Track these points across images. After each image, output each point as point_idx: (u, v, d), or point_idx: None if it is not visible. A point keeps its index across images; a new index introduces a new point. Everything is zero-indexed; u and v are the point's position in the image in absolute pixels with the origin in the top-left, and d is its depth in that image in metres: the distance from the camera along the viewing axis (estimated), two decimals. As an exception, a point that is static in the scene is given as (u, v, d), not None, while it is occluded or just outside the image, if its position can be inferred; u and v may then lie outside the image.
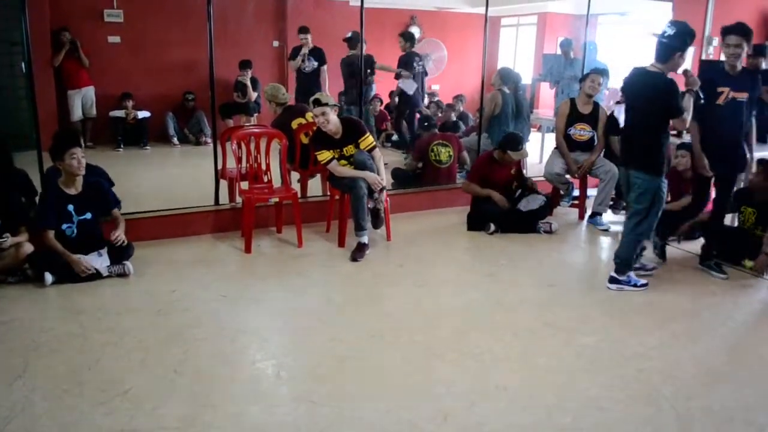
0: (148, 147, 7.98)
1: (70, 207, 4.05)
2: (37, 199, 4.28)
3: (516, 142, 5.33)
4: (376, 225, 4.87)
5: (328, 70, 7.60)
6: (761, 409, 2.84)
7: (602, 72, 6.90)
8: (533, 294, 4.08)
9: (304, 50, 7.46)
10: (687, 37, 3.75)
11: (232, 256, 4.64)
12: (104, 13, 7.87)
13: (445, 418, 2.66)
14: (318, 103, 4.64)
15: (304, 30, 7.57)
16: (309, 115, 5.60)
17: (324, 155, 4.71)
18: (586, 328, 3.58)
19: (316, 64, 7.55)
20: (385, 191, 4.77)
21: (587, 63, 6.85)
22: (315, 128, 4.89)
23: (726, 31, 4.05)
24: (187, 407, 2.68)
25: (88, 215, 4.11)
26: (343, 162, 4.76)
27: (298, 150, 5.42)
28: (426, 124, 6.49)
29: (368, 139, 4.81)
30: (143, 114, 8.02)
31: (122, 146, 7.85)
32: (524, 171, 5.68)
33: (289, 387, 2.91)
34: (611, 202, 6.02)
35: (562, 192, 5.84)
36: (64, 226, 4.04)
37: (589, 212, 5.81)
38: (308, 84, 7.41)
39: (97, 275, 4.00)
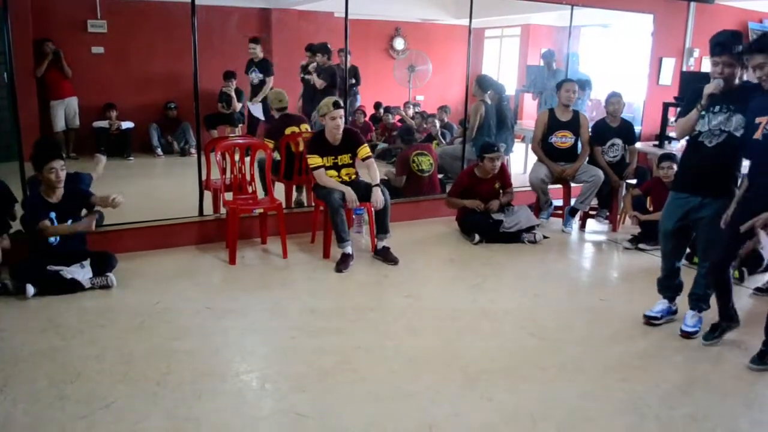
0: (131, 158, 7.93)
1: (52, 215, 4.03)
2: (17, 207, 4.23)
3: (488, 146, 5.41)
4: (388, 260, 4.75)
5: (294, 81, 7.48)
6: (744, 416, 2.86)
7: (584, 83, 6.97)
8: (518, 304, 4.10)
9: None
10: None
11: (217, 267, 4.61)
12: (88, 23, 7.82)
13: (430, 428, 2.65)
14: (338, 105, 4.67)
15: (254, 41, 7.54)
16: (304, 126, 5.64)
17: (315, 160, 4.69)
18: (570, 337, 3.60)
19: (261, 76, 7.52)
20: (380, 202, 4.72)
21: (570, 74, 6.92)
22: (316, 132, 4.96)
23: (747, 51, 3.22)
24: (170, 420, 2.65)
25: (70, 222, 4.09)
26: (333, 172, 4.76)
27: (282, 160, 5.41)
28: (407, 136, 6.51)
29: (365, 149, 4.83)
30: (127, 125, 7.97)
31: (105, 157, 7.79)
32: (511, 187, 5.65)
33: (273, 399, 2.89)
34: (595, 212, 6.07)
35: (541, 204, 5.85)
36: None
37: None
38: (254, 96, 7.44)
39: (77, 286, 3.96)
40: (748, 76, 3.36)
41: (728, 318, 3.55)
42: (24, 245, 4.07)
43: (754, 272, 4.65)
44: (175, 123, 8.35)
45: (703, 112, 3.40)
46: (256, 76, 7.56)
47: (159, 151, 8.23)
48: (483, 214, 5.34)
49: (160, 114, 8.34)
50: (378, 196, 4.67)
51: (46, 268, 3.94)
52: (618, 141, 5.83)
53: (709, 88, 3.32)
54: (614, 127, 5.84)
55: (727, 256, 3.41)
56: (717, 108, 3.35)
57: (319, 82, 6.83)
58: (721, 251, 3.40)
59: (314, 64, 6.99)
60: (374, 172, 4.80)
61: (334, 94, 6.96)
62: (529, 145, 7.87)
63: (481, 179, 5.43)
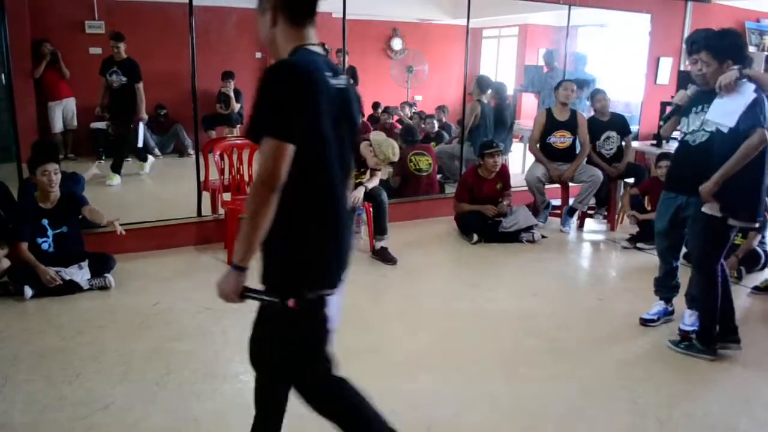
0: (129, 158, 7.91)
1: (45, 221, 4.01)
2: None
3: (487, 143, 5.45)
4: (386, 260, 4.80)
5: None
6: (743, 414, 2.87)
7: (581, 82, 6.99)
8: (516, 303, 4.10)
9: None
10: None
11: (216, 267, 4.61)
12: (85, 24, 7.80)
13: (429, 427, 2.66)
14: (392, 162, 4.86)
15: (116, 37, 6.49)
16: None
17: None
18: (569, 336, 3.60)
19: (124, 79, 6.49)
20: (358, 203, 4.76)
21: (576, 75, 6.92)
22: None
23: (700, 46, 3.31)
24: (170, 421, 2.65)
25: (64, 229, 4.07)
26: None
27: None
28: (409, 137, 6.50)
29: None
30: (125, 125, 7.94)
31: (104, 158, 7.77)
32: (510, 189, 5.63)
33: (272, 399, 2.89)
34: (593, 211, 6.08)
35: (539, 205, 5.84)
36: (40, 241, 4.00)
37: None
38: (117, 101, 6.64)
39: (75, 287, 3.96)
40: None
41: (726, 331, 3.38)
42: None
43: (752, 270, 4.66)
44: (166, 125, 8.32)
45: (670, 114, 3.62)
46: (117, 79, 6.48)
47: (156, 151, 8.21)
48: (482, 213, 5.33)
49: (151, 116, 8.29)
50: (358, 194, 4.67)
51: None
52: (612, 134, 5.84)
53: (676, 98, 3.57)
54: (605, 121, 5.86)
55: (705, 253, 3.33)
56: (699, 108, 3.35)
57: None
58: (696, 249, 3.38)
59: None
60: (374, 181, 4.86)
61: None
62: (527, 146, 7.91)
63: (484, 179, 5.42)
